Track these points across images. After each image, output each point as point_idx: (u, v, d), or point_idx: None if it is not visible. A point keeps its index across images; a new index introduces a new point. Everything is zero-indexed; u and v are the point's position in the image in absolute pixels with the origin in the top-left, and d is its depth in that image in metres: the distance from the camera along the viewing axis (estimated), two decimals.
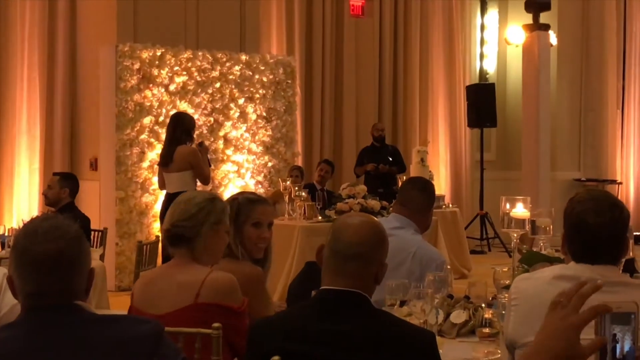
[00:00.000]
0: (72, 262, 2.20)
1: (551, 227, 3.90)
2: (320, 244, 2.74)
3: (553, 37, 12.99)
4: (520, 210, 3.81)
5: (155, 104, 9.60)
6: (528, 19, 12.42)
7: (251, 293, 3.59)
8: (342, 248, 2.64)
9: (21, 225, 7.29)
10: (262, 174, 10.64)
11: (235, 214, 3.79)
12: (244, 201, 3.88)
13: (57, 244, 2.17)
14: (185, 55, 9.87)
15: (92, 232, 7.01)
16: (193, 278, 3.26)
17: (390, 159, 11.26)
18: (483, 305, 3.61)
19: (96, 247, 6.95)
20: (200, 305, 3.18)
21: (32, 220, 2.32)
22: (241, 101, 10.39)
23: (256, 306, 3.58)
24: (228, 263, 3.72)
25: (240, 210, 3.83)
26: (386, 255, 2.73)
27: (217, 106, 10.17)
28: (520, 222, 3.83)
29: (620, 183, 14.14)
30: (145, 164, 9.49)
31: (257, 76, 10.54)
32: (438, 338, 2.94)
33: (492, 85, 13.26)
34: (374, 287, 2.71)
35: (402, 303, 3.36)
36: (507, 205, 3.83)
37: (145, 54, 9.52)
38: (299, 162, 11.16)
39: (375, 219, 2.93)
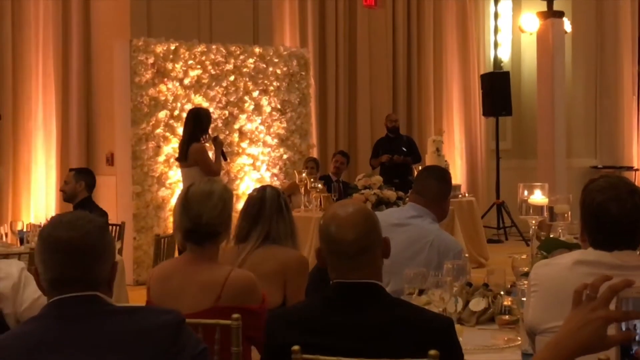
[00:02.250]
0: (93, 250, 2.23)
1: (569, 213, 3.89)
2: (317, 248, 2.73)
3: (567, 24, 12.93)
4: (538, 197, 3.80)
5: (170, 98, 9.62)
6: (542, 6, 12.36)
7: (299, 277, 3.75)
8: (343, 249, 2.61)
9: (41, 221, 7.31)
10: (278, 167, 10.65)
11: (285, 206, 3.92)
12: (282, 193, 4.05)
13: (79, 231, 2.22)
14: (199, 49, 9.88)
15: (110, 227, 7.02)
16: (214, 278, 3.27)
17: (405, 149, 11.24)
18: (502, 292, 3.60)
19: (115, 241, 6.98)
20: (220, 308, 3.18)
21: (61, 213, 2.38)
22: (255, 94, 10.40)
23: (299, 290, 3.70)
24: (277, 249, 3.84)
25: (286, 202, 3.99)
26: (380, 228, 2.71)
27: (232, 99, 10.18)
28: (539, 209, 3.82)
29: (637, 170, 14.09)
30: (161, 158, 9.52)
31: (270, 69, 10.55)
32: (457, 326, 2.94)
33: (507, 73, 13.21)
34: (382, 262, 2.70)
35: (421, 292, 3.36)
36: (525, 192, 3.82)
37: (159, 49, 9.53)
38: (314, 153, 11.16)
39: (353, 200, 2.96)
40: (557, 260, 2.85)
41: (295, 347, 2.49)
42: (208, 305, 3.23)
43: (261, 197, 3.97)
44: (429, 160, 10.72)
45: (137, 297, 7.59)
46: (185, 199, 3.35)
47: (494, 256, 10.51)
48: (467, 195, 11.26)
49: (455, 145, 13.29)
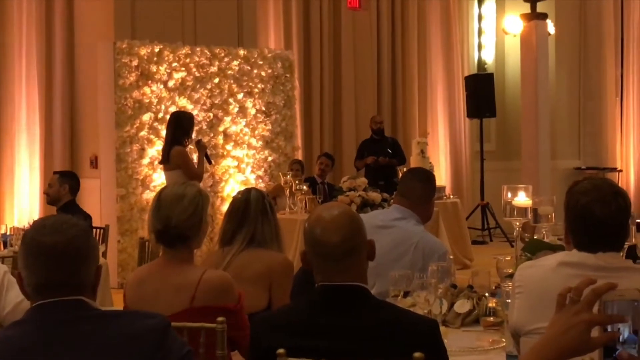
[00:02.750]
0: (79, 253, 2.23)
1: (553, 215, 3.90)
2: (303, 251, 2.73)
3: (551, 26, 12.97)
4: (522, 199, 3.82)
5: (154, 101, 9.59)
6: (525, 8, 12.40)
7: (284, 280, 3.78)
8: (329, 251, 2.61)
9: (24, 224, 7.27)
10: (263, 169, 10.64)
11: (270, 208, 3.93)
12: (267, 195, 4.06)
13: (65, 235, 2.21)
14: (184, 51, 9.86)
15: (94, 230, 7.00)
16: (187, 279, 3.28)
17: (390, 151, 11.25)
18: (487, 294, 3.61)
19: (99, 245, 6.94)
20: (196, 309, 3.19)
21: (41, 217, 2.36)
22: (240, 96, 10.38)
23: (284, 293, 3.71)
24: (262, 252, 3.85)
25: (271, 205, 4.01)
26: (365, 230, 2.71)
27: (216, 101, 10.16)
28: (522, 211, 3.84)
29: (621, 171, 14.14)
30: (146, 161, 9.49)
31: (255, 71, 10.54)
32: (443, 328, 2.95)
33: (491, 75, 13.25)
34: (367, 265, 2.70)
35: (406, 294, 3.36)
36: (509, 194, 3.84)
37: (143, 51, 9.51)
38: (299, 155, 11.15)
39: (338, 202, 2.95)
40: (541, 262, 2.86)
41: (281, 351, 2.49)
42: (183, 306, 3.23)
43: (246, 200, 3.97)
44: (414, 162, 10.74)
45: (121, 301, 7.56)
46: (158, 201, 3.37)
47: (478, 257, 10.53)
48: (451, 196, 11.28)
49: (439, 147, 13.31)
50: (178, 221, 3.30)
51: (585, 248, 2.68)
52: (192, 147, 8.19)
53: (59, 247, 2.20)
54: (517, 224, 3.86)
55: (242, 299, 3.33)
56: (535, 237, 3.89)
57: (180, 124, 7.89)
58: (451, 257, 4.13)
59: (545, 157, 12.33)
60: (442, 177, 12.88)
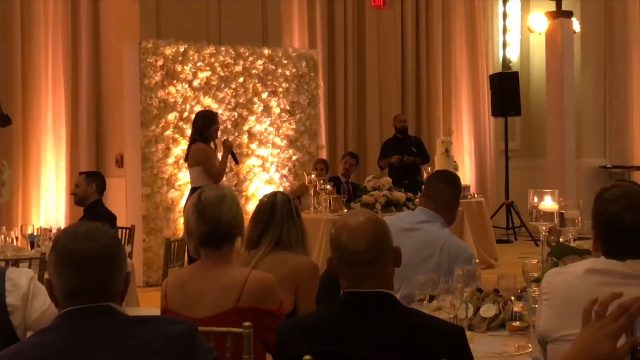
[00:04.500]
0: (111, 260, 2.27)
1: (579, 219, 3.89)
2: (329, 257, 2.74)
3: (576, 24, 12.90)
4: (548, 203, 3.80)
5: (180, 100, 9.64)
6: (551, 6, 12.35)
7: (310, 283, 3.82)
8: (354, 258, 2.63)
9: (51, 225, 7.30)
10: (287, 168, 10.65)
11: (296, 212, 3.99)
12: (293, 199, 4.09)
13: (97, 243, 2.25)
14: (208, 51, 9.89)
15: (120, 230, 7.04)
16: (233, 279, 3.27)
17: (414, 150, 11.23)
18: (513, 298, 3.60)
19: (124, 245, 6.97)
20: (240, 309, 3.19)
21: (71, 225, 2.40)
22: (264, 95, 10.41)
23: (310, 296, 3.72)
24: (287, 255, 3.87)
25: (296, 208, 4.04)
26: (391, 237, 2.73)
27: (241, 101, 10.19)
28: (549, 215, 3.83)
29: None
30: (171, 160, 9.54)
31: (279, 70, 10.55)
32: (468, 332, 2.94)
33: (516, 73, 13.20)
34: (394, 271, 2.72)
35: (432, 298, 3.36)
36: (535, 199, 3.83)
37: (168, 50, 9.55)
38: (323, 154, 11.16)
39: (364, 209, 2.96)
40: (568, 269, 2.85)
41: (307, 357, 2.50)
42: (228, 306, 3.22)
43: (272, 203, 3.99)
44: (438, 161, 10.71)
45: (147, 300, 7.61)
46: (200, 204, 3.34)
47: (503, 256, 10.50)
48: (476, 195, 11.24)
49: (464, 146, 13.28)
50: (228, 219, 3.32)
51: (614, 255, 2.67)
52: (217, 141, 8.17)
53: (92, 254, 2.23)
54: (544, 228, 3.85)
55: (284, 303, 3.34)
56: (561, 241, 3.88)
57: (194, 124, 7.93)
58: (477, 260, 4.12)
59: (571, 156, 12.27)
60: (467, 175, 12.85)
